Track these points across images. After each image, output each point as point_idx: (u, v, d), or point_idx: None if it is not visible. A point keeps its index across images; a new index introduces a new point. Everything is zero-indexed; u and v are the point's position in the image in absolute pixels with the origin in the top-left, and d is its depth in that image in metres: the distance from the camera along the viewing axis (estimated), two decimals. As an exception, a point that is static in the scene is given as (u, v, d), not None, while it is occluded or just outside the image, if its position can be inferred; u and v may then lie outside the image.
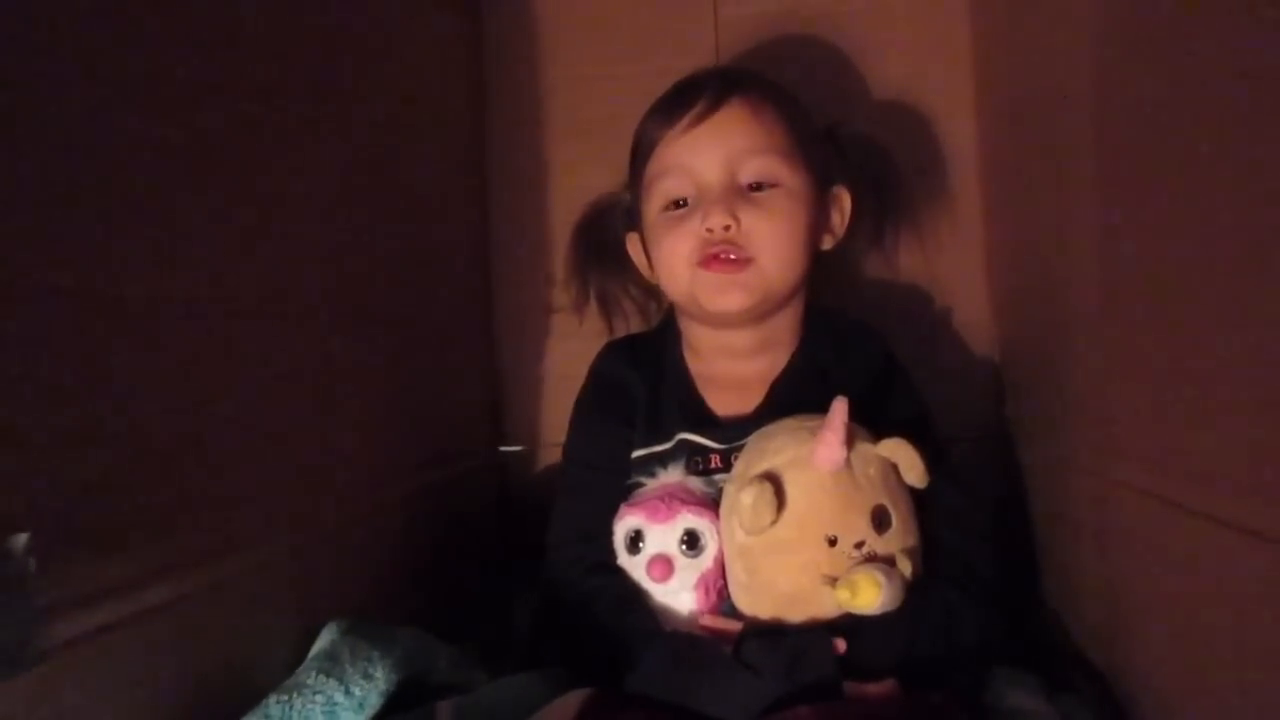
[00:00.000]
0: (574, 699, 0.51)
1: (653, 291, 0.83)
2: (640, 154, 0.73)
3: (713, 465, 0.68)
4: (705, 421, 0.70)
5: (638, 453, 0.70)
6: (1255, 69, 0.38)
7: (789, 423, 0.63)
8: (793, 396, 0.69)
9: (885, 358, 0.73)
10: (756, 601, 0.60)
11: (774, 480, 0.59)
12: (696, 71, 0.76)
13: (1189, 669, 0.48)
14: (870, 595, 0.55)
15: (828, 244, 0.75)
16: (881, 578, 0.56)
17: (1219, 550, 0.44)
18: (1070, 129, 0.61)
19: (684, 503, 0.63)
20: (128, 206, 0.44)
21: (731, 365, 0.73)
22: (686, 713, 0.52)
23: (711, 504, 0.64)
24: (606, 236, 0.82)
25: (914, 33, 0.88)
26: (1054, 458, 0.70)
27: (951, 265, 0.87)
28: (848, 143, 0.78)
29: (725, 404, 0.71)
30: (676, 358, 0.75)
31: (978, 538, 0.64)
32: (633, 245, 0.79)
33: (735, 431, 0.67)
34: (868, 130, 0.82)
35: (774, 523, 0.58)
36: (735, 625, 0.60)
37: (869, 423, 0.62)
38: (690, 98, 0.70)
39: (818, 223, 0.72)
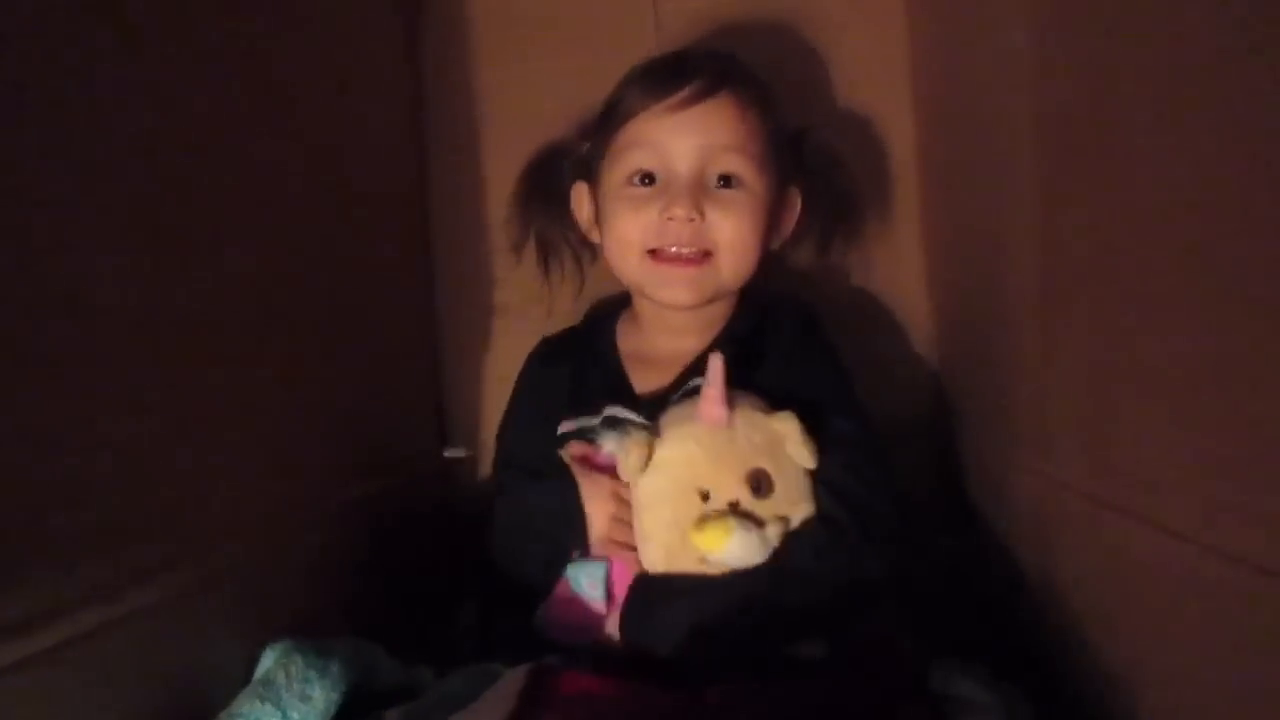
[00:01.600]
0: (519, 673, 0.52)
1: (589, 241, 0.83)
2: (615, 116, 0.73)
3: None
4: (628, 397, 0.71)
5: (566, 426, 0.71)
6: (1195, 61, 0.39)
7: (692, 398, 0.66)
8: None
9: (805, 325, 0.75)
10: (642, 556, 0.62)
11: (654, 430, 0.63)
12: (691, 50, 0.77)
13: (1125, 665, 0.49)
14: (719, 537, 0.57)
15: (775, 244, 0.76)
16: (735, 524, 0.58)
17: (1153, 552, 0.45)
18: (1009, 124, 0.62)
19: None
20: (48, 210, 0.43)
21: (667, 340, 0.75)
22: (628, 679, 0.54)
23: None
24: (554, 181, 0.81)
25: (851, 30, 0.88)
26: (993, 454, 0.70)
27: (890, 261, 0.88)
28: (812, 149, 0.80)
29: (648, 381, 0.73)
30: (608, 339, 0.77)
31: (867, 484, 0.64)
32: (577, 195, 0.79)
33: (655, 407, 0.68)
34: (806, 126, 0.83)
35: (644, 468, 0.61)
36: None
37: (792, 394, 0.64)
38: (683, 79, 0.69)
39: (772, 224, 0.74)
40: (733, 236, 0.69)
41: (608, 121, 0.74)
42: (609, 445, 0.65)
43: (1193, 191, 0.39)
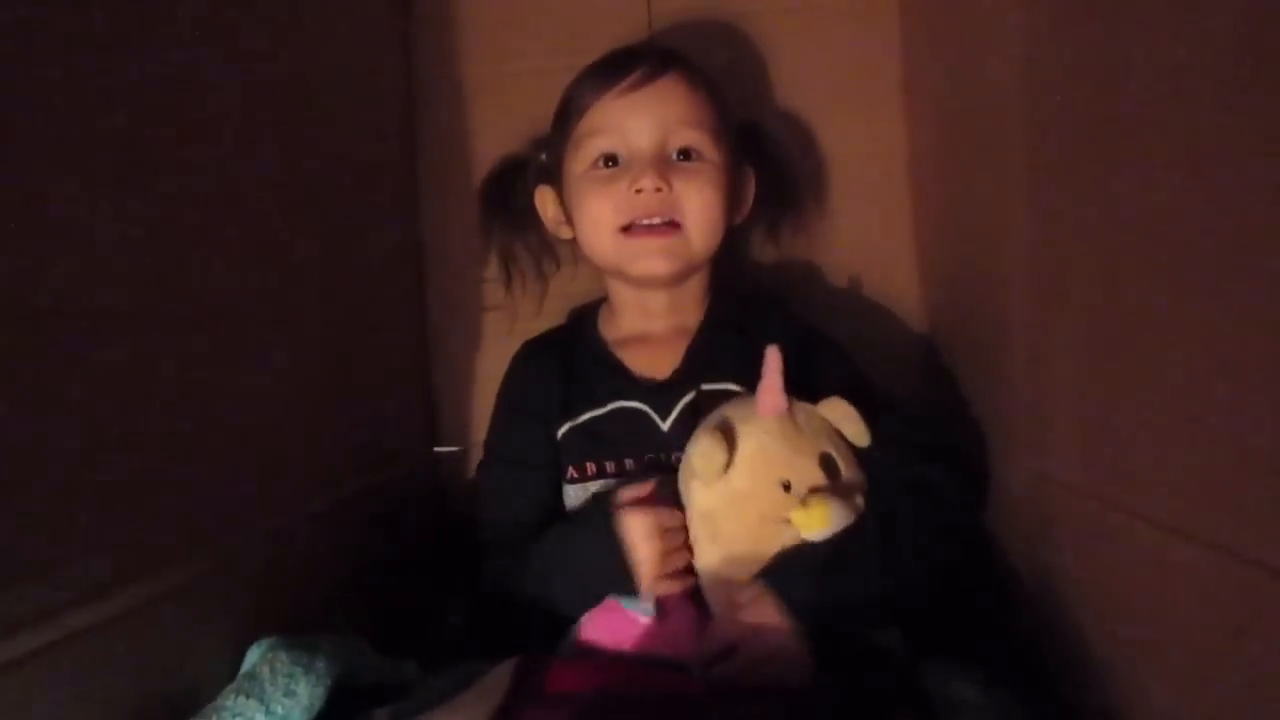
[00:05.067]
0: (506, 667, 0.52)
1: (551, 249, 0.86)
2: (570, 113, 0.75)
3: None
4: (631, 382, 0.73)
5: (578, 419, 0.72)
6: (1189, 60, 0.39)
7: (733, 399, 0.66)
8: (708, 356, 0.73)
9: (784, 311, 0.77)
10: (722, 566, 0.60)
11: (724, 428, 0.60)
12: (634, 43, 0.79)
13: (1123, 665, 0.49)
14: (822, 514, 0.57)
15: (736, 219, 0.79)
16: (833, 499, 0.58)
17: (1149, 548, 0.44)
18: (1001, 122, 0.62)
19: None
20: (46, 212, 0.43)
21: (646, 323, 0.77)
22: (616, 669, 0.54)
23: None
24: (513, 194, 0.84)
25: (844, 24, 0.89)
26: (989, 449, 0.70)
27: (882, 259, 0.88)
28: (761, 138, 0.83)
29: (640, 365, 0.75)
30: (593, 335, 0.78)
31: (936, 431, 0.70)
32: (541, 198, 0.81)
33: (661, 392, 0.71)
34: (799, 120, 0.86)
35: (728, 466, 0.59)
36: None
37: (802, 389, 0.64)
38: (630, 65, 0.73)
39: (733, 198, 0.76)
40: (699, 205, 0.72)
41: (564, 121, 0.76)
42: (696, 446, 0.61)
43: (1184, 189, 0.39)
